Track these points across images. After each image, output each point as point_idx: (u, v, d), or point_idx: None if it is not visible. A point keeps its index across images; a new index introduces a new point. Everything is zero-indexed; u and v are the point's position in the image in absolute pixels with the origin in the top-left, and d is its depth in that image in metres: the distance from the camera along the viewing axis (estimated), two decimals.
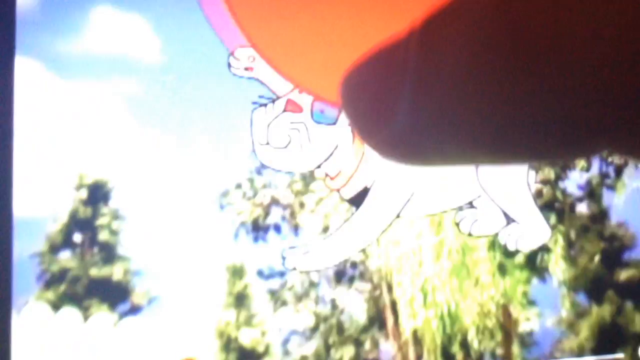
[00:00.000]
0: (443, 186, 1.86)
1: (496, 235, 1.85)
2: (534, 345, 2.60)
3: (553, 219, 2.59)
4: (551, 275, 2.66)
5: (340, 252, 1.95)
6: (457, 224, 2.02)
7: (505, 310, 3.12)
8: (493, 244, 2.24)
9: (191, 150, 1.96)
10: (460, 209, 1.86)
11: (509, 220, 1.84)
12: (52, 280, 2.81)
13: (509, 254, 2.24)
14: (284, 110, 1.86)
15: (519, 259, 2.43)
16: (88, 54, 1.91)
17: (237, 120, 2.05)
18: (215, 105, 2.09)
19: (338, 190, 1.98)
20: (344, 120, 1.66)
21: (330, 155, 2.05)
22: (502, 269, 2.81)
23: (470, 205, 1.96)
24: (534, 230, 1.83)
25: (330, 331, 3.10)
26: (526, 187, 1.72)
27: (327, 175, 1.93)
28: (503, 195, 1.86)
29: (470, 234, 1.98)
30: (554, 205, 2.31)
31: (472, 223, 1.93)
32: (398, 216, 2.08)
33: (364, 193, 2.10)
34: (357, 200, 2.07)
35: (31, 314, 2.34)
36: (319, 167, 1.94)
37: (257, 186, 3.22)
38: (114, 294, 2.39)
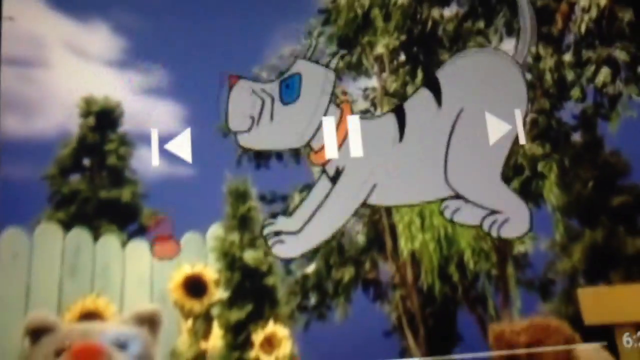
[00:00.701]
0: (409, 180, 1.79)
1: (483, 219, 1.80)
2: (528, 267, 2.48)
3: (548, 147, 2.49)
4: (545, 201, 2.52)
5: (316, 230, 1.90)
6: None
7: None
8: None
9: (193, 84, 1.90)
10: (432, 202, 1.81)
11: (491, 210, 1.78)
12: (62, 201, 2.72)
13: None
14: None
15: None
16: None
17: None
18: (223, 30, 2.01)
19: (323, 165, 1.98)
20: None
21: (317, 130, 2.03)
22: None
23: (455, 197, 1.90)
24: (517, 217, 1.80)
25: (331, 253, 3.02)
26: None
27: (311, 149, 1.94)
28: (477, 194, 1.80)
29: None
30: (549, 134, 2.20)
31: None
32: (364, 204, 2.07)
33: (337, 174, 2.04)
34: (334, 179, 2.02)
35: (41, 235, 2.30)
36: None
37: None
38: (122, 216, 2.33)
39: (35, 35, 2.41)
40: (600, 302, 1.62)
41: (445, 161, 2.16)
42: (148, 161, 3.07)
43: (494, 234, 1.84)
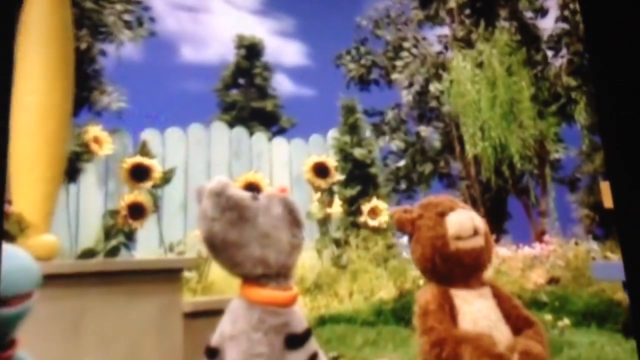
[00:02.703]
0: None
1: None
2: (560, 169, 2.87)
3: (579, 80, 2.74)
4: (576, 120, 2.86)
5: None
6: None
7: (541, 144, 3.30)
8: (535, 97, 2.55)
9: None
10: None
11: None
12: (227, 108, 3.09)
13: (547, 103, 2.45)
14: None
15: (552, 109, 2.60)
16: None
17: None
18: None
19: None
20: None
21: None
22: (540, 115, 3.01)
23: None
24: None
25: (416, 153, 3.36)
26: None
27: None
28: None
29: None
30: (581, 70, 2.47)
31: None
32: None
33: None
34: None
35: (215, 130, 2.85)
36: None
37: (362, 52, 3.49)
38: (268, 120, 2.79)
39: None
40: None
41: None
42: (284, 82, 3.64)
43: None
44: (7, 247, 1.20)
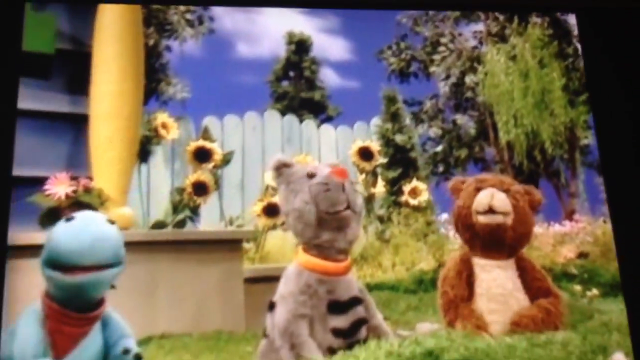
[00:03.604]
0: None
1: None
2: (589, 153, 2.81)
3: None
4: None
5: None
6: None
7: (571, 131, 3.30)
8: (565, 87, 2.54)
9: None
10: None
11: None
12: (279, 97, 3.13)
13: (577, 93, 2.45)
14: None
15: (583, 97, 2.62)
16: None
17: None
18: None
19: None
20: None
21: None
22: (571, 104, 3.02)
23: None
24: None
25: (452, 139, 3.37)
26: None
27: None
28: None
29: None
30: None
31: None
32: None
33: None
34: None
35: (268, 117, 2.76)
36: None
37: (402, 47, 3.48)
38: (316, 109, 2.80)
39: None
40: None
41: None
42: (330, 75, 3.48)
43: None
44: (96, 218, 1.23)
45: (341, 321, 1.36)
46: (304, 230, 1.40)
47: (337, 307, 1.36)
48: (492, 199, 1.56)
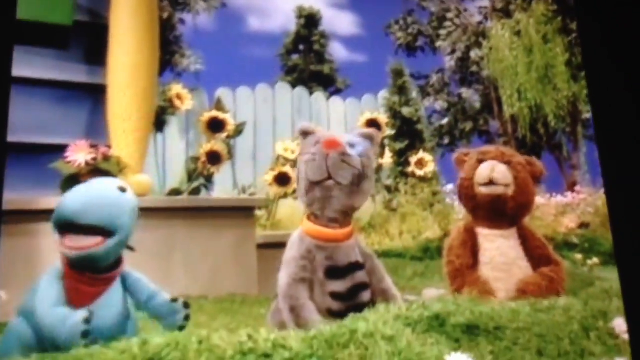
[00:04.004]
0: None
1: None
2: (590, 127, 2.80)
3: None
4: None
5: None
6: None
7: (573, 105, 3.26)
8: (569, 62, 2.53)
9: None
10: None
11: None
12: (289, 70, 3.09)
13: (580, 68, 2.42)
14: None
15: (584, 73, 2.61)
16: None
17: None
18: None
19: None
20: None
21: None
22: (574, 78, 2.97)
23: None
24: None
25: (457, 112, 3.34)
26: None
27: None
28: None
29: None
30: None
31: None
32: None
33: None
34: None
35: (279, 90, 2.88)
36: None
37: (409, 22, 3.47)
38: (325, 81, 2.81)
39: None
40: None
41: None
42: (339, 49, 3.62)
43: None
44: (105, 184, 1.23)
45: (339, 285, 1.36)
46: (301, 198, 1.44)
47: (335, 272, 1.37)
48: (493, 171, 1.57)
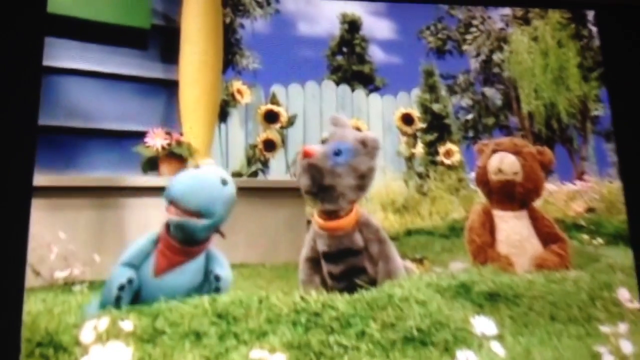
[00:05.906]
0: None
1: None
2: (599, 123, 2.74)
3: None
4: None
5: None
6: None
7: (583, 103, 3.22)
8: (580, 65, 2.48)
9: None
10: None
11: None
12: (334, 70, 3.11)
13: (590, 70, 2.38)
14: None
15: (595, 74, 2.52)
16: None
17: None
18: None
19: None
20: None
21: None
22: (585, 79, 2.93)
23: None
24: None
25: (481, 109, 3.30)
26: None
27: None
28: None
29: None
30: None
31: None
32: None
33: None
34: None
35: (325, 87, 2.76)
36: None
37: (439, 28, 3.43)
38: (365, 80, 2.77)
39: None
40: None
41: None
42: (377, 52, 3.46)
43: None
44: (211, 173, 1.23)
45: (333, 267, 1.40)
46: None
47: (329, 256, 1.41)
48: (502, 163, 1.60)
